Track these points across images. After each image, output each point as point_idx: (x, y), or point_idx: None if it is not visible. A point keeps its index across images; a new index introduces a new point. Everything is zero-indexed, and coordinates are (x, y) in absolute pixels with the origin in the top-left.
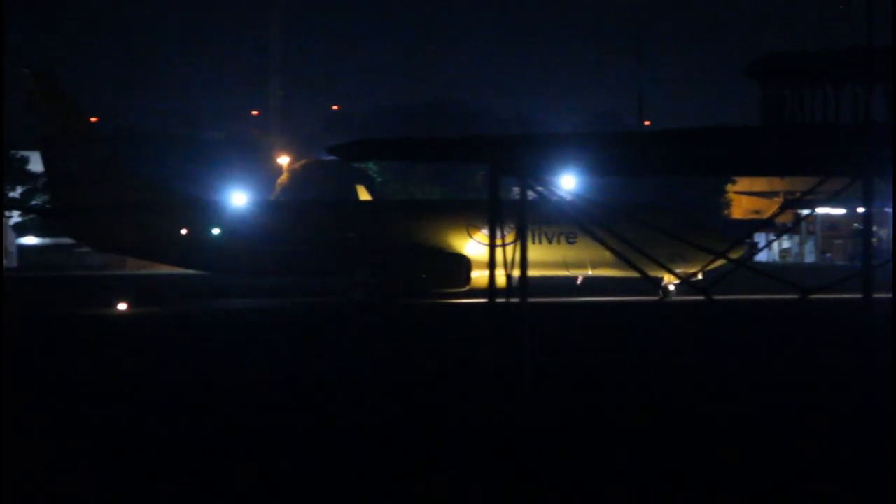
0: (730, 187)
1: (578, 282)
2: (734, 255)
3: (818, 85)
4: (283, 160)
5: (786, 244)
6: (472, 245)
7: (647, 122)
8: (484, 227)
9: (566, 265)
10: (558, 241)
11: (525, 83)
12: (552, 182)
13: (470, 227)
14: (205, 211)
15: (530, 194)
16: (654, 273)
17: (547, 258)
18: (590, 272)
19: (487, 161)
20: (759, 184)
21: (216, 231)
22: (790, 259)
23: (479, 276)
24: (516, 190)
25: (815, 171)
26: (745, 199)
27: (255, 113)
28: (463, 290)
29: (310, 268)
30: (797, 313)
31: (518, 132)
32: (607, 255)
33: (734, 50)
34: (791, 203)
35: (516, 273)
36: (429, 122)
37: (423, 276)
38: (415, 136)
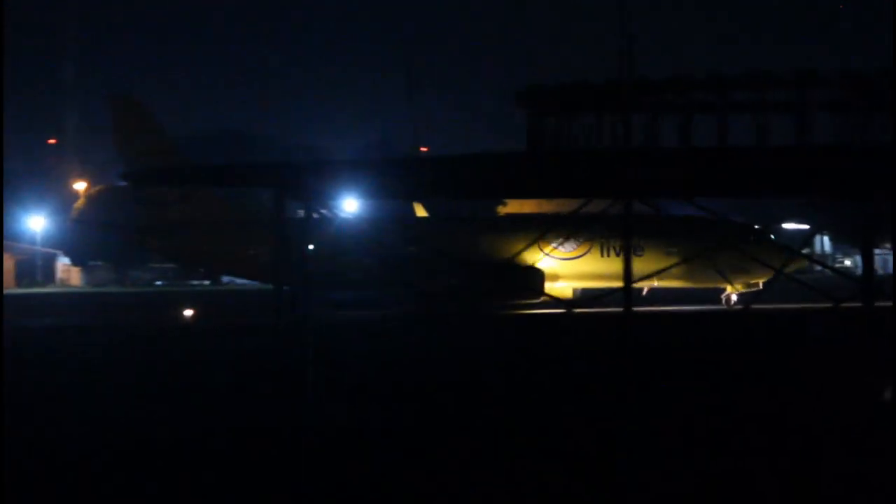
0: (500, 209)
1: (644, 293)
2: None
3: (579, 113)
4: (80, 186)
5: None
6: (544, 258)
7: (424, 148)
8: (553, 241)
9: (633, 277)
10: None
11: (311, 111)
12: (335, 205)
13: (540, 240)
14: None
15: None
16: (719, 284)
17: (614, 270)
18: (655, 283)
19: (273, 186)
20: (528, 205)
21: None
22: None
23: (549, 288)
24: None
25: (577, 193)
26: None
27: (52, 142)
28: (537, 300)
29: (393, 280)
30: (563, 327)
31: (303, 158)
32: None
33: (507, 78)
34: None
35: (581, 285)
36: (218, 150)
37: (502, 287)
38: (205, 163)
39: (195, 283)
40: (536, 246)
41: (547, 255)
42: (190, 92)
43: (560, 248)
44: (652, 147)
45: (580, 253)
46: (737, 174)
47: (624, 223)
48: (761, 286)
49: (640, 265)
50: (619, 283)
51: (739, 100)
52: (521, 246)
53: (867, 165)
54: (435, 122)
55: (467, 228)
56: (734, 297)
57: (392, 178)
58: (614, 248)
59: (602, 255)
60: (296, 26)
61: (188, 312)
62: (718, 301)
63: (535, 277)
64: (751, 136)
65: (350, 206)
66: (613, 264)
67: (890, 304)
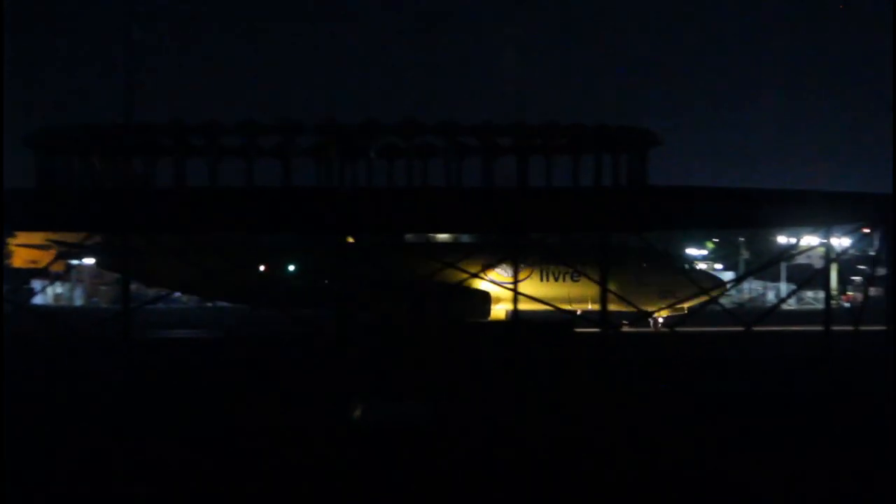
0: (11, 241)
1: (578, 314)
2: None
3: (86, 153)
4: None
5: (59, 290)
6: (486, 283)
7: None
8: (497, 267)
9: (569, 300)
10: (563, 280)
11: None
12: None
13: (484, 266)
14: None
15: None
16: (648, 307)
17: (553, 294)
18: (589, 306)
19: None
20: (37, 237)
21: (291, 268)
22: (63, 302)
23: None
24: None
25: (87, 228)
26: (23, 250)
27: None
28: (485, 320)
29: (354, 301)
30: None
31: None
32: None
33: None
34: (64, 254)
35: (520, 307)
36: None
37: (453, 308)
38: None
39: None
40: (481, 271)
41: (490, 280)
42: None
43: (503, 272)
44: (148, 188)
45: (522, 278)
46: (197, 211)
47: (124, 255)
48: (686, 310)
49: (577, 290)
50: (559, 306)
51: (231, 145)
52: (467, 271)
53: (343, 207)
54: None
55: (413, 253)
56: (661, 320)
57: None
58: (552, 274)
59: (542, 280)
60: None
61: None
62: (646, 324)
63: (482, 301)
64: (242, 179)
65: None
66: (552, 289)
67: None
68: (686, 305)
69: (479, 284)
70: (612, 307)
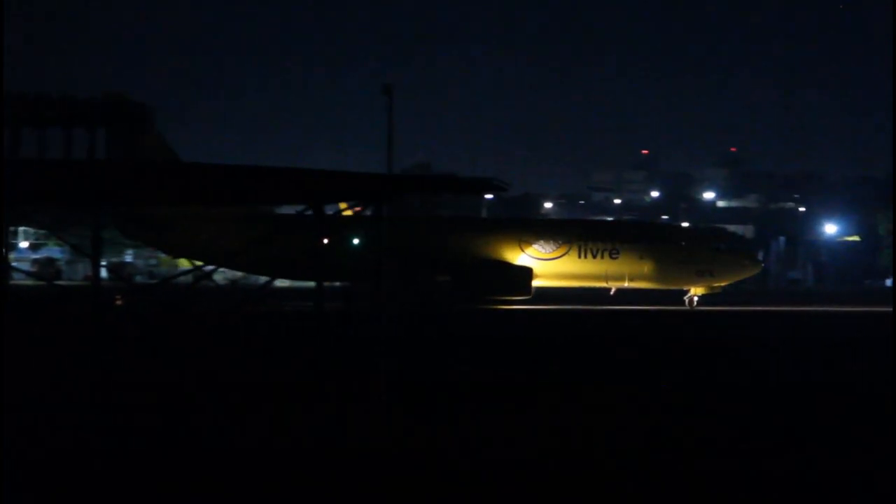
0: None
1: (612, 292)
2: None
3: None
4: None
5: None
6: (525, 258)
7: None
8: (534, 242)
9: (606, 277)
10: (602, 257)
11: None
12: None
13: (521, 242)
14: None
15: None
16: (684, 286)
17: (590, 271)
18: (626, 284)
19: None
20: None
21: (356, 242)
22: None
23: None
24: None
25: None
26: None
27: None
28: (526, 297)
29: (401, 274)
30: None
31: None
32: (645, 269)
33: None
34: None
35: (557, 284)
36: None
37: (495, 284)
38: None
39: None
40: (517, 246)
41: (527, 254)
42: None
43: (541, 248)
44: None
45: (559, 254)
46: None
47: None
48: (721, 289)
49: (615, 267)
50: (595, 283)
51: None
52: (505, 246)
53: None
54: None
55: (453, 227)
56: (696, 299)
57: None
58: (591, 251)
59: (579, 257)
60: None
61: None
62: (681, 302)
63: (524, 276)
64: None
65: None
66: (589, 265)
67: None
68: (721, 284)
69: (519, 259)
70: (646, 285)
